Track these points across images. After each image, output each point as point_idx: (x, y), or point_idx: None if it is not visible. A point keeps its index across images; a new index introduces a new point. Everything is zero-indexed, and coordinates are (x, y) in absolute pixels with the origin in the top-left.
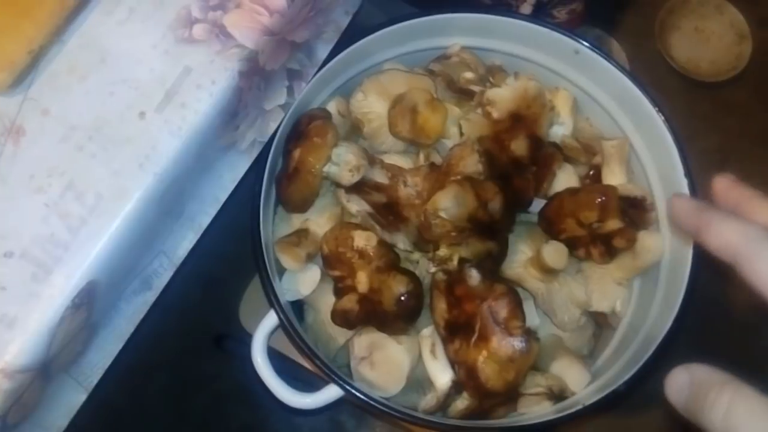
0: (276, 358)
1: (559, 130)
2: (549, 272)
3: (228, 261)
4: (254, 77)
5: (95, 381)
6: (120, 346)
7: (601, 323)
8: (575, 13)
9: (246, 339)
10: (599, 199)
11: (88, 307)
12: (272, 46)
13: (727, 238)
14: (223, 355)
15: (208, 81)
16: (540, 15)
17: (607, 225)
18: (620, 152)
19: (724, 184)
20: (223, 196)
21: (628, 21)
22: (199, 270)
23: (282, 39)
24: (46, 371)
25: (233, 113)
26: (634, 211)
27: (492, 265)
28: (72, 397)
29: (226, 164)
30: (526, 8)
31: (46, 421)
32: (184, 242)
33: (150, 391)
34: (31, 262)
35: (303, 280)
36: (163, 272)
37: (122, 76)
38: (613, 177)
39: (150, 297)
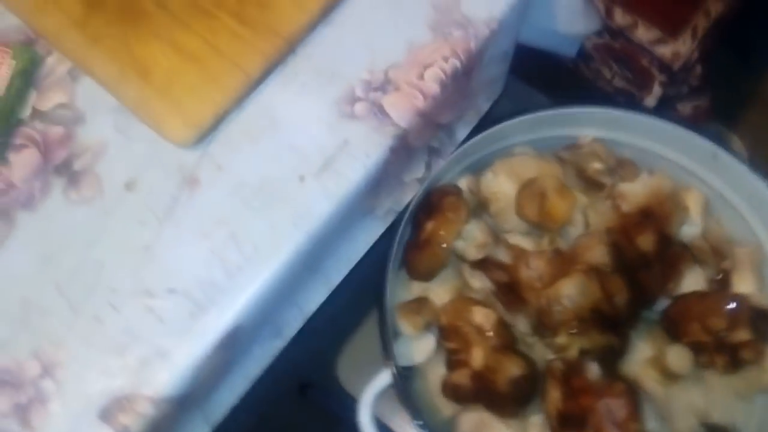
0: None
1: (689, 230)
2: (670, 376)
3: (325, 312)
4: (401, 152)
5: (220, 418)
6: (247, 386)
7: None
8: (700, 109)
9: (334, 391)
10: (730, 307)
11: (231, 348)
12: (421, 126)
13: None
14: (306, 404)
15: (363, 153)
16: (664, 108)
17: (735, 335)
18: (753, 259)
19: None
20: (356, 257)
21: (750, 118)
22: None
23: (430, 120)
24: (184, 403)
25: (378, 183)
26: (765, 323)
27: (612, 360)
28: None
29: (363, 228)
30: (651, 101)
31: None
32: (316, 296)
33: (232, 430)
34: (190, 300)
35: (418, 347)
36: (294, 322)
37: (289, 142)
38: (744, 284)
39: (279, 344)
